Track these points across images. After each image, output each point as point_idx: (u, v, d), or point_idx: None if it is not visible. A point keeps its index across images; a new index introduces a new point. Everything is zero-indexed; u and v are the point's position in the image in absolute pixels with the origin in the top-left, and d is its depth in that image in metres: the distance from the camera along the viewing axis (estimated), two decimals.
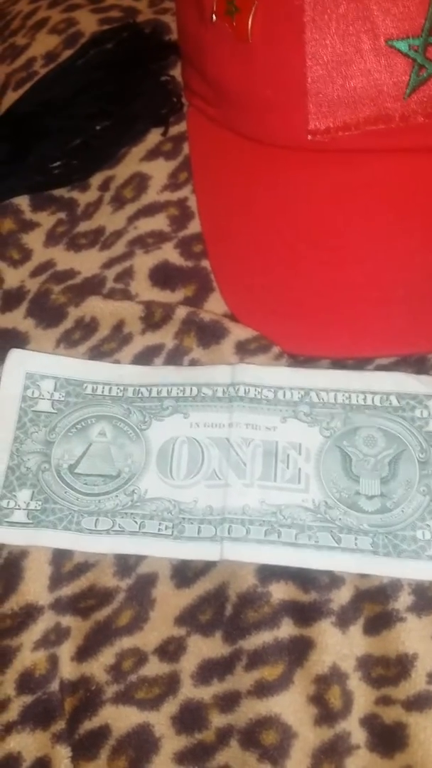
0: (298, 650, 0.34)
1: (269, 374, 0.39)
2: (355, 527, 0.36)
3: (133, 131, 0.49)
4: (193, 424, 0.39)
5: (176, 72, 0.51)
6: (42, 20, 0.55)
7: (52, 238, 0.46)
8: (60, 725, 0.34)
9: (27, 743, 0.34)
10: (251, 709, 0.33)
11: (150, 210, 0.46)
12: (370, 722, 0.33)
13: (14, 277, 0.45)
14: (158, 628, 0.35)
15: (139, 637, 0.35)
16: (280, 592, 0.35)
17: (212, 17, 0.43)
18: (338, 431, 0.38)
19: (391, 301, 0.40)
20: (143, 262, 0.44)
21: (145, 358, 0.41)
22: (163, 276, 0.44)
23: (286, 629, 0.34)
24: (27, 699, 0.34)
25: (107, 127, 0.49)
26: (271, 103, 0.43)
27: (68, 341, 0.42)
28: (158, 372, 0.40)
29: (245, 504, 0.37)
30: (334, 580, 0.35)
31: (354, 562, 0.35)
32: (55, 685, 0.35)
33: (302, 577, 0.35)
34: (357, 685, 0.33)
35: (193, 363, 0.41)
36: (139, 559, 0.37)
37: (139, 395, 0.40)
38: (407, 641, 0.34)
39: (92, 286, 0.44)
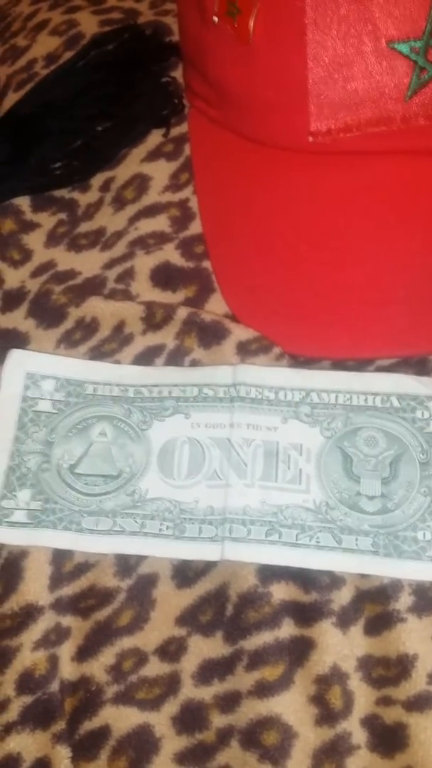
0: (299, 650, 0.34)
1: (270, 375, 0.39)
2: (356, 528, 0.36)
3: (134, 132, 0.49)
4: (194, 425, 0.39)
5: (177, 73, 0.51)
6: (43, 22, 0.55)
7: (52, 239, 0.46)
8: (60, 725, 0.34)
9: (27, 744, 0.34)
10: (252, 710, 0.33)
11: (151, 211, 0.46)
12: (371, 722, 0.33)
13: (15, 277, 0.45)
14: (159, 628, 0.35)
15: (139, 637, 0.35)
16: (280, 592, 0.35)
17: (214, 19, 0.43)
18: (339, 432, 0.38)
19: (391, 303, 0.40)
20: (144, 263, 0.44)
21: (146, 358, 0.41)
22: (164, 277, 0.44)
23: (287, 629, 0.34)
24: (27, 699, 0.34)
25: (108, 129, 0.49)
26: (272, 105, 0.43)
27: (69, 341, 0.42)
28: (159, 372, 0.40)
29: (246, 504, 0.37)
30: (335, 580, 0.35)
31: (355, 562, 0.35)
32: (55, 686, 0.35)
33: (303, 578, 0.35)
34: (357, 686, 0.33)
35: (194, 363, 0.41)
36: (140, 559, 0.37)
37: (140, 395, 0.40)
38: (408, 642, 0.34)
39: (93, 287, 0.44)
